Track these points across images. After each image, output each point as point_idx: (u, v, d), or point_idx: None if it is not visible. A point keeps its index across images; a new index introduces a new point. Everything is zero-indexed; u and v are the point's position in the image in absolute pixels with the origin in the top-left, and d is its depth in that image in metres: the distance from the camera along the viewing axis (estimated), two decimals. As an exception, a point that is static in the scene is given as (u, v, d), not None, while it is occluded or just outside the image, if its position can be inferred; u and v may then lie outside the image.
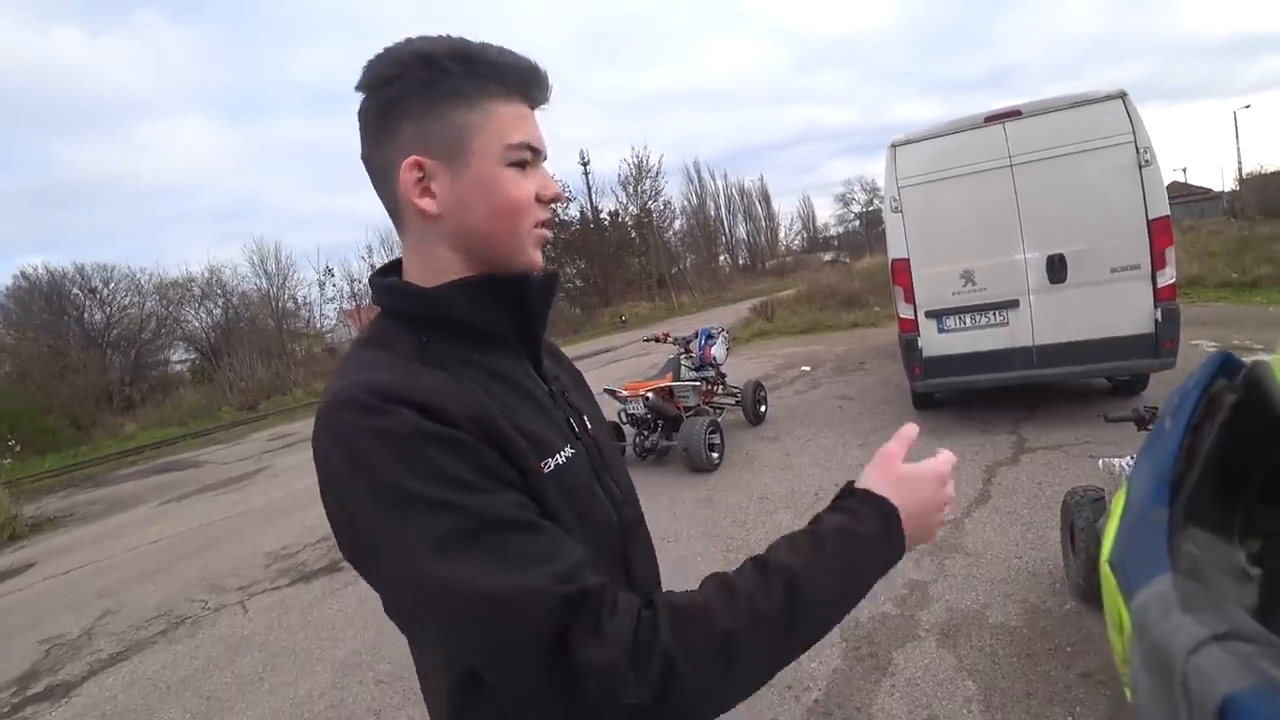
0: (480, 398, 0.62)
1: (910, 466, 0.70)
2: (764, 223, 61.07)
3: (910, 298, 5.08)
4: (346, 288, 32.00)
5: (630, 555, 0.76)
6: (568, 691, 0.51)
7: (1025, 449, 4.58)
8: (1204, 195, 38.13)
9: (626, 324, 26.65)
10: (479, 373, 0.65)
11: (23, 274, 27.28)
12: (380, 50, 0.65)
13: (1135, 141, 4.41)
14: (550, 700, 0.52)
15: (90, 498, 10.81)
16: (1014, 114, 4.71)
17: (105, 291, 28.68)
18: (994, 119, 4.75)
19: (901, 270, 5.08)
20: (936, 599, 2.92)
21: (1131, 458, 1.75)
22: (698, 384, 6.15)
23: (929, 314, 5.07)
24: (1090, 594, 2.57)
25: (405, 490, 0.53)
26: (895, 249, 5.12)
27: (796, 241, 65.42)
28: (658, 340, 7.15)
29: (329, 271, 32.51)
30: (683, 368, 6.34)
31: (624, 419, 5.79)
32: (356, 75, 0.66)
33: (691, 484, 5.10)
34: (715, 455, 5.38)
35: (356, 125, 0.67)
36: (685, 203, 47.52)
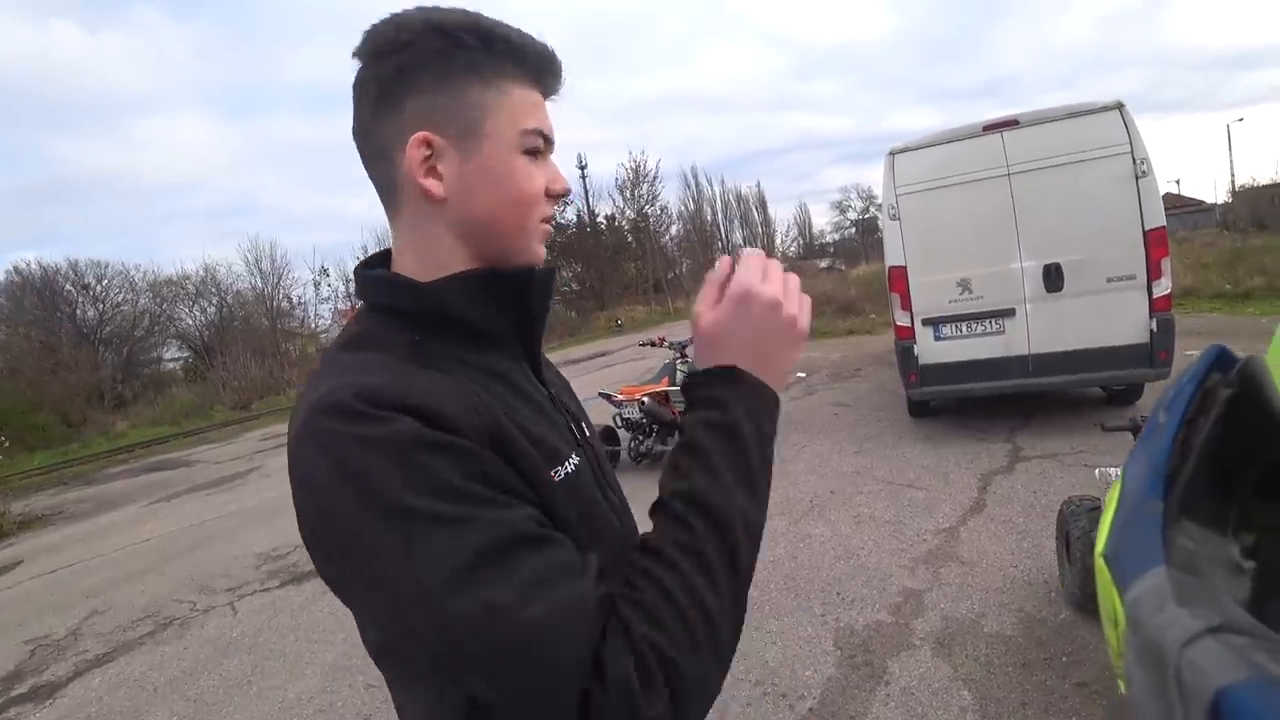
0: (485, 401, 0.56)
1: (713, 316, 0.61)
2: (760, 229, 61.15)
3: (907, 305, 5.09)
4: (341, 288, 31.99)
5: None
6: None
7: (1021, 457, 4.58)
8: (1197, 207, 38.36)
9: (622, 328, 26.64)
10: (478, 374, 0.60)
11: (15, 269, 27.21)
12: (386, 16, 0.59)
13: (1132, 152, 4.43)
14: None
15: (80, 496, 10.72)
16: (1012, 123, 4.73)
17: (99, 288, 28.57)
18: (992, 128, 4.77)
19: (899, 277, 5.09)
20: (932, 607, 2.91)
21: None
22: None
23: (926, 321, 5.07)
24: (1086, 604, 2.56)
25: (409, 507, 0.47)
26: (892, 256, 5.13)
27: (793, 248, 65.60)
28: (654, 344, 7.14)
29: (324, 271, 32.52)
30: (679, 372, 6.32)
31: (619, 423, 5.77)
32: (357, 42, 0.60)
33: (686, 489, 5.06)
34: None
35: (352, 96, 0.61)
36: (682, 208, 47.57)
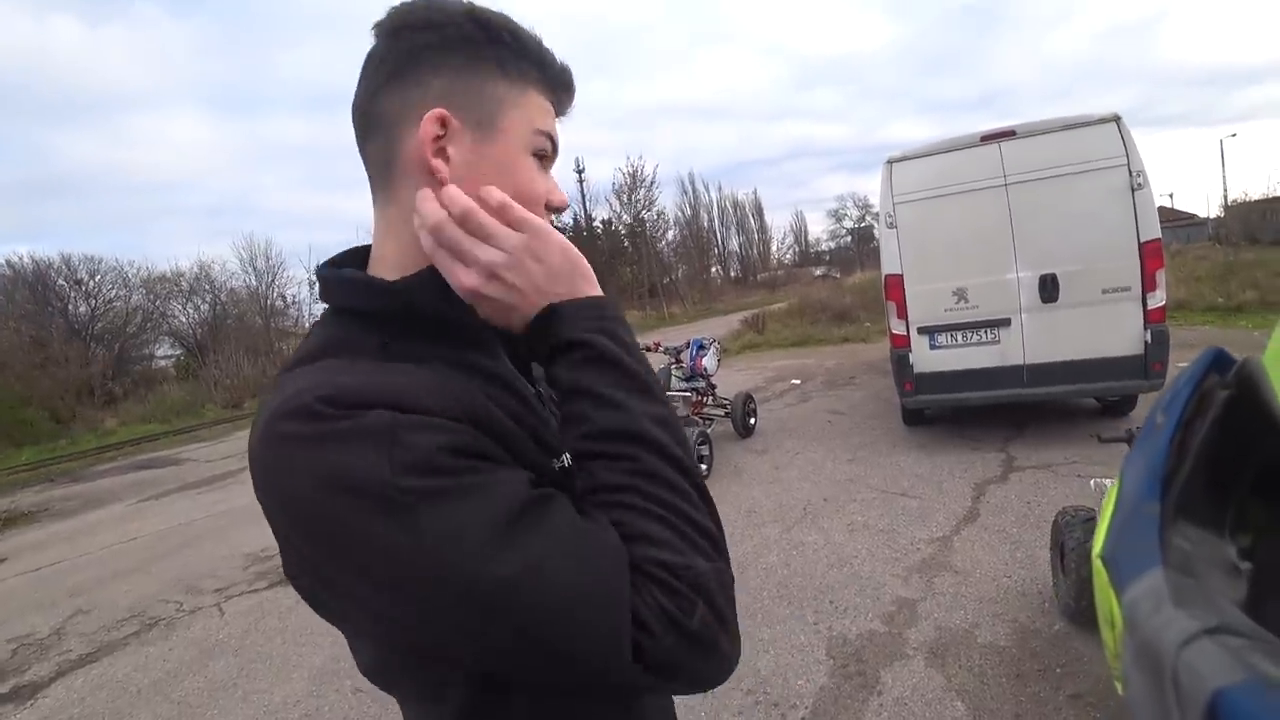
0: (465, 388, 0.53)
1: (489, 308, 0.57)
2: (756, 236, 61.63)
3: (903, 313, 5.09)
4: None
5: None
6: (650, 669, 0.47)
7: (1014, 467, 4.58)
8: (1190, 221, 38.72)
9: (617, 332, 26.60)
10: (459, 371, 0.56)
11: (7, 262, 26.93)
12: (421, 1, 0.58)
13: (1128, 164, 4.45)
14: (630, 684, 0.47)
15: (67, 493, 10.61)
16: (1009, 134, 4.75)
17: (91, 283, 28.34)
18: (990, 138, 4.79)
19: (895, 286, 5.09)
20: (925, 617, 2.89)
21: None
22: (688, 395, 6.13)
23: (921, 330, 5.08)
24: (1080, 615, 2.55)
25: (408, 490, 0.44)
26: (889, 264, 5.14)
27: (788, 255, 66.01)
28: (649, 349, 7.11)
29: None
30: (673, 378, 6.32)
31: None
32: (362, 42, 0.58)
33: (680, 494, 5.05)
34: (704, 467, 5.34)
35: (361, 69, 0.59)
36: (679, 213, 47.93)
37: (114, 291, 28.99)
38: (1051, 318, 4.75)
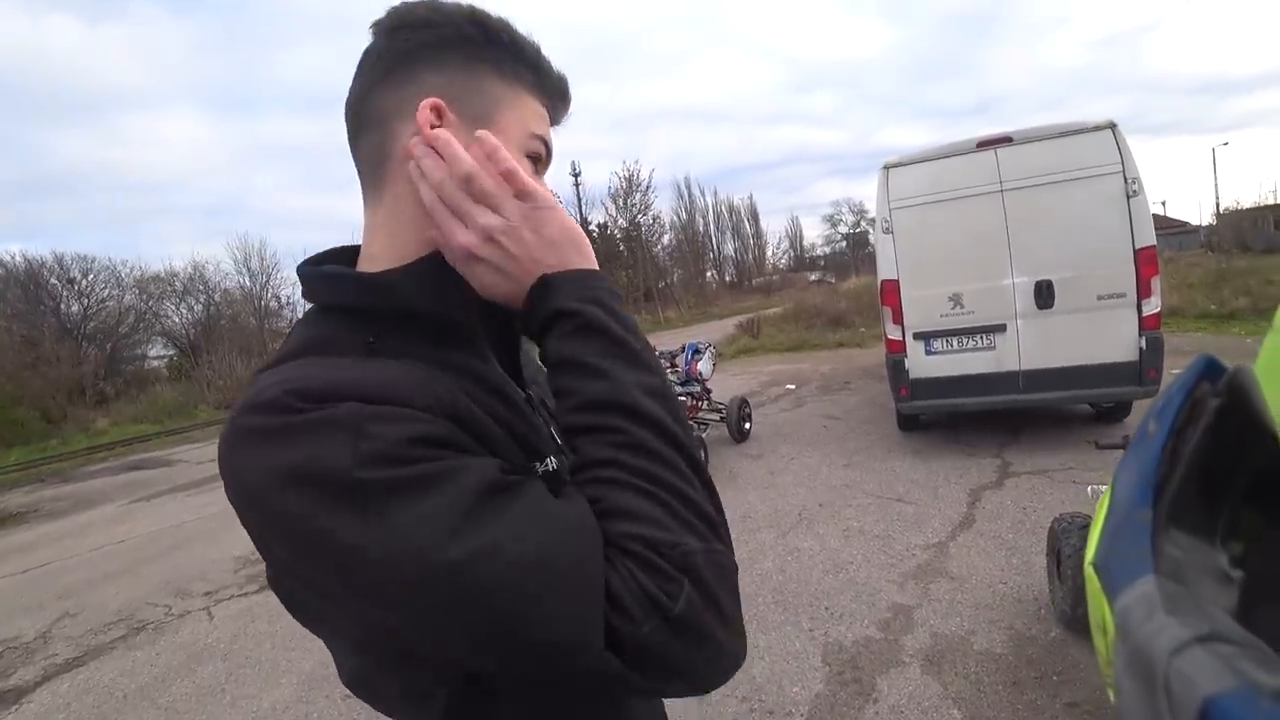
0: (446, 386, 0.51)
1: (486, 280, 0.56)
2: (752, 240, 61.75)
3: (899, 319, 5.09)
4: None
5: None
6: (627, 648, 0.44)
7: (1010, 473, 4.57)
8: (1182, 228, 39.00)
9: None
10: (443, 370, 0.54)
11: (-1, 261, 26.79)
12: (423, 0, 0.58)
13: (1124, 171, 4.46)
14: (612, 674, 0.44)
15: (57, 494, 10.52)
16: (1005, 140, 4.76)
17: (84, 283, 28.26)
18: (986, 144, 4.80)
19: (890, 291, 5.09)
20: (921, 624, 2.88)
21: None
22: (683, 399, 6.11)
23: (917, 336, 5.07)
24: (1077, 622, 2.54)
25: (370, 482, 0.42)
26: (885, 270, 5.14)
27: (784, 260, 66.16)
28: (645, 352, 7.11)
29: (314, 272, 32.27)
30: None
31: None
32: (363, 39, 0.58)
33: (675, 499, 5.03)
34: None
35: (357, 66, 0.59)
36: (674, 218, 47.99)
37: (107, 291, 28.92)
38: (1047, 324, 4.76)
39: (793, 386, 9.26)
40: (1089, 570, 1.29)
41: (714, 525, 0.50)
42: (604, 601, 0.43)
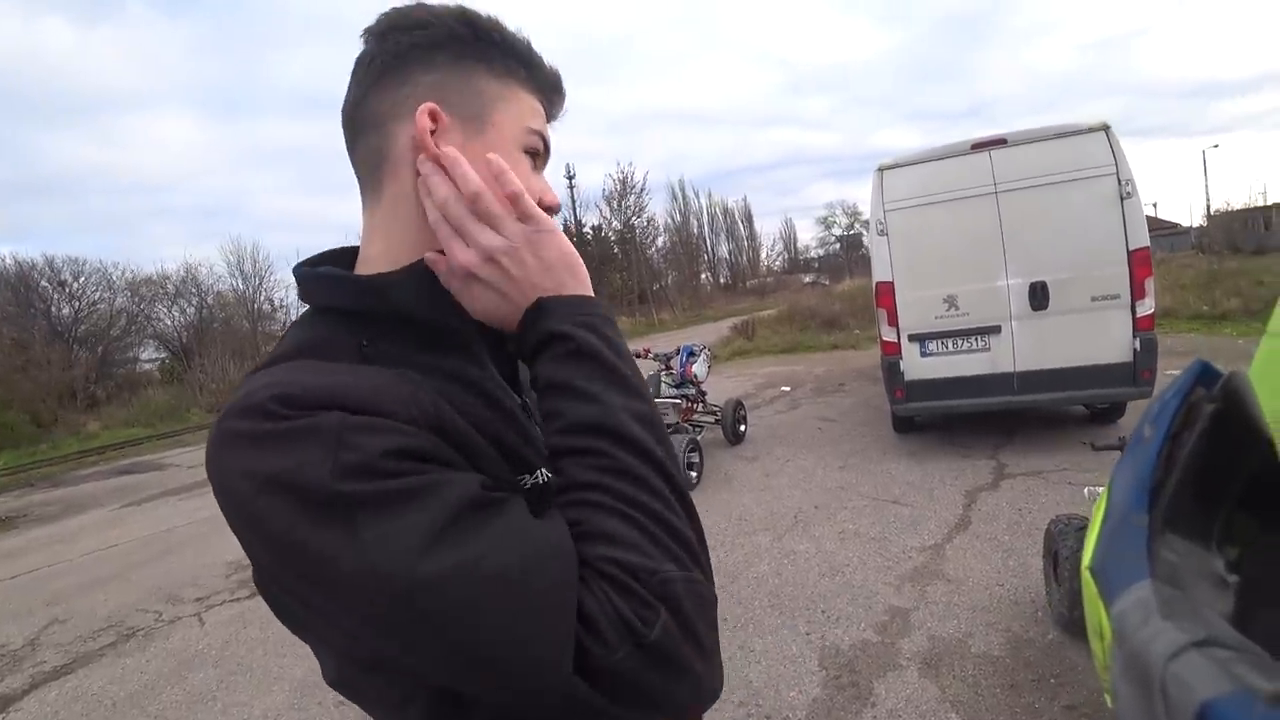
0: (432, 398, 0.51)
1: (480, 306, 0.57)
2: (746, 242, 61.75)
3: (893, 321, 5.09)
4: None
5: None
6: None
7: (1005, 474, 4.58)
8: (1173, 230, 39.27)
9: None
10: (434, 378, 0.54)
11: (-11, 263, 26.55)
12: (406, 2, 0.59)
13: (1117, 173, 4.48)
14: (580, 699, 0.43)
15: (47, 498, 10.43)
16: (1000, 142, 4.77)
17: (75, 285, 27.96)
18: (980, 146, 4.80)
19: (885, 293, 5.09)
20: (918, 626, 2.87)
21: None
22: (678, 402, 6.10)
23: (912, 337, 5.08)
24: (1074, 624, 2.53)
25: (348, 494, 0.42)
26: (879, 272, 5.14)
27: (778, 262, 66.23)
28: (639, 356, 7.10)
29: (307, 274, 32.14)
30: (663, 384, 6.29)
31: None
32: (356, 43, 0.59)
33: (670, 501, 5.01)
34: (694, 474, 5.32)
35: (352, 73, 0.59)
36: (668, 220, 47.90)
37: (98, 294, 28.63)
38: (1041, 325, 4.76)
39: (787, 389, 9.26)
40: (1086, 574, 1.29)
41: (695, 554, 0.50)
42: (575, 624, 0.43)
